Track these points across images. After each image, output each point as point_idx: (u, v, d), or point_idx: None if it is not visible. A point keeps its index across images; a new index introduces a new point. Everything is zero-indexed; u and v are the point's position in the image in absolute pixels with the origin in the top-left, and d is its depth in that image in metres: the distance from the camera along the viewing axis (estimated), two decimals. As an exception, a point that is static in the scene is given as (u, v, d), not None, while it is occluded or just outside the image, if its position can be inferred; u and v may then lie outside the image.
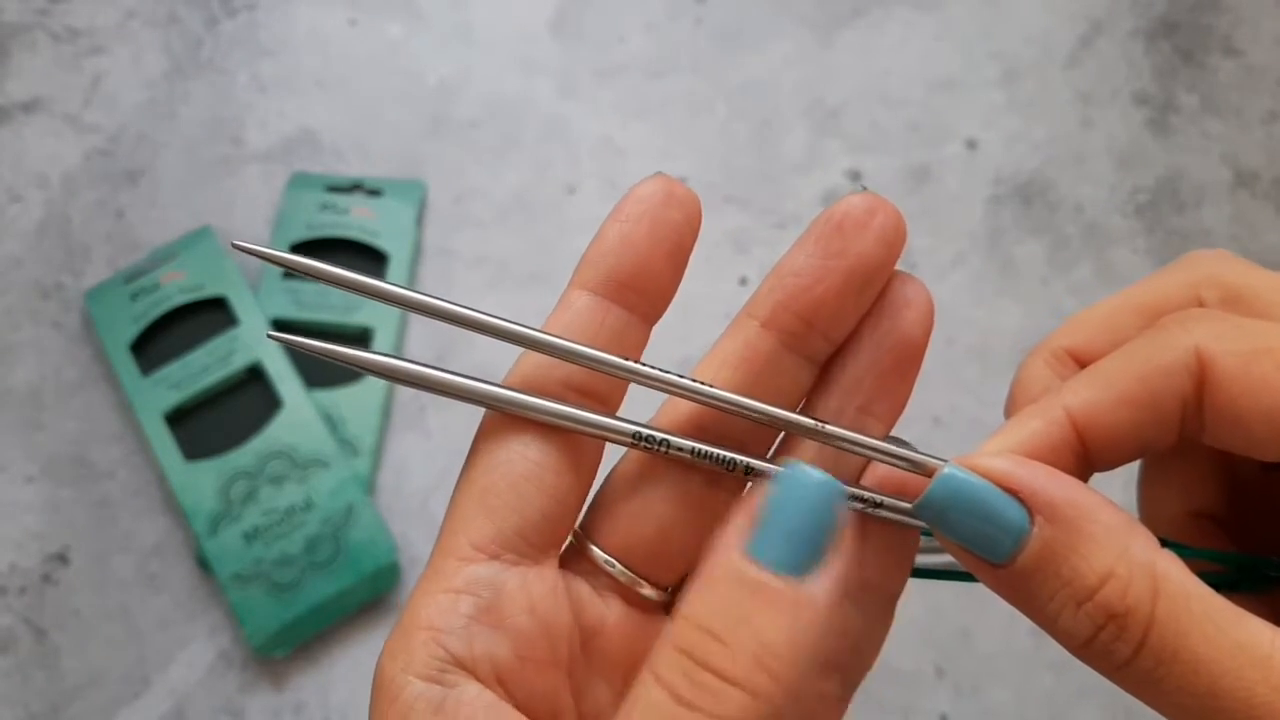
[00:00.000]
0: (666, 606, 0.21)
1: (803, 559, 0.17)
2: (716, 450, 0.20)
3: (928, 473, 0.20)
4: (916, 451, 0.21)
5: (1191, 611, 0.17)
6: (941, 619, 0.50)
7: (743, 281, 0.56)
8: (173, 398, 0.52)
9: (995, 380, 0.55)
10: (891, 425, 0.22)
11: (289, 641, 0.48)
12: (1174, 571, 0.17)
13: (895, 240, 0.20)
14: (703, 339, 0.62)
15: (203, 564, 0.50)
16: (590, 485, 0.21)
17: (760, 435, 0.21)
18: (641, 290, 0.20)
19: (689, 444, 0.20)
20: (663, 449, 0.20)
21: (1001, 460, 0.19)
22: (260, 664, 0.49)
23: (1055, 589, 0.18)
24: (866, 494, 0.21)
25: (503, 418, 0.20)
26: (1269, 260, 0.58)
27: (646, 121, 0.61)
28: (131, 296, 0.54)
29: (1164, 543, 0.18)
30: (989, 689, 0.49)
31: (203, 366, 0.52)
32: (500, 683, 0.19)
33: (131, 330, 0.53)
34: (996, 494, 0.18)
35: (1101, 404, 0.20)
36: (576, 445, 0.20)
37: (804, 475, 0.17)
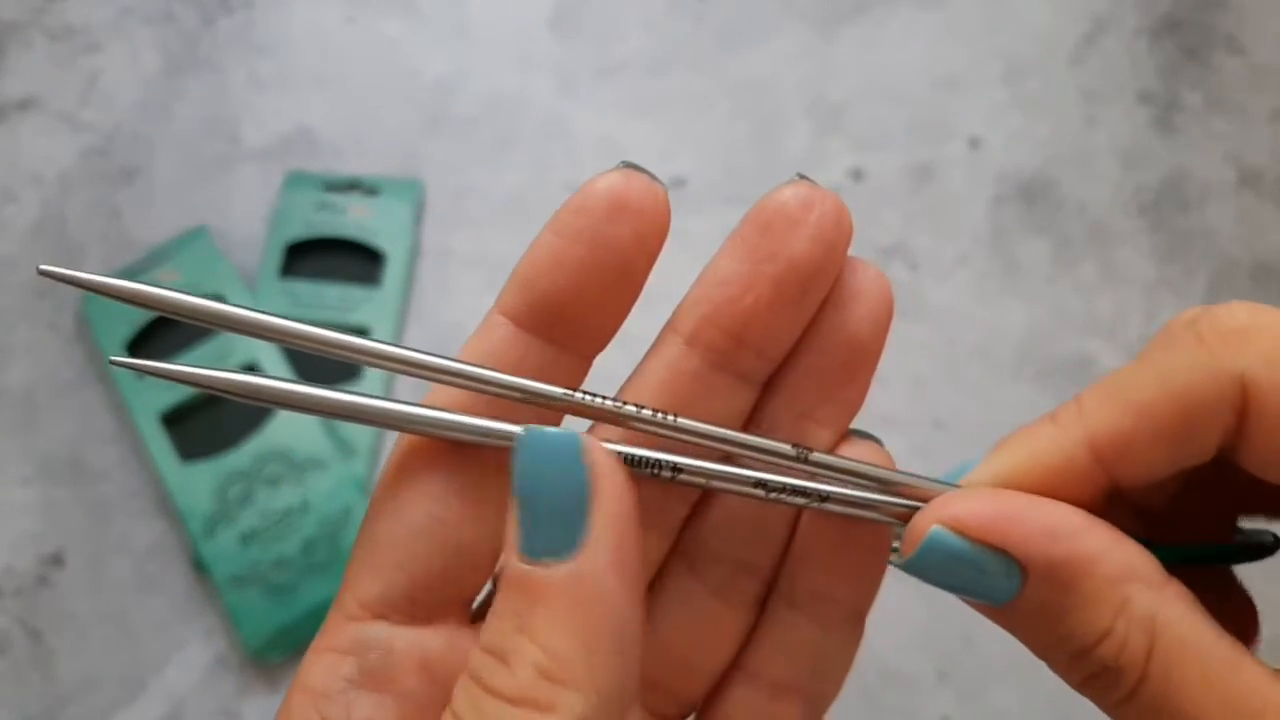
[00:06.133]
0: None
1: (562, 534, 0.15)
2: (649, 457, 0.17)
3: (929, 497, 0.18)
4: (907, 473, 0.18)
5: (1186, 665, 0.16)
6: (943, 622, 0.49)
7: (743, 281, 0.56)
8: (169, 398, 0.51)
9: (998, 381, 0.54)
10: (841, 435, 0.19)
11: (286, 644, 0.48)
12: (1175, 619, 0.16)
13: (837, 237, 0.17)
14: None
15: (199, 566, 0.50)
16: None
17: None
18: (574, 324, 0.18)
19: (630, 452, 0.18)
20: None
21: (988, 506, 0.17)
22: (257, 667, 0.49)
23: (1051, 641, 0.17)
24: (808, 486, 0.18)
25: (405, 459, 0.18)
26: (1273, 258, 0.58)
27: (646, 120, 0.61)
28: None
29: (1152, 546, 0.17)
30: (991, 692, 0.49)
31: (199, 367, 0.52)
32: None
33: (127, 330, 0.53)
34: (985, 554, 0.17)
35: (1134, 435, 0.17)
36: (483, 494, 0.18)
37: (538, 436, 0.15)
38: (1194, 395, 0.17)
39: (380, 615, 0.18)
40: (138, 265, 0.55)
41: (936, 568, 0.17)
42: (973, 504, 0.17)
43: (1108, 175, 0.60)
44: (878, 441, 0.19)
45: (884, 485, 0.18)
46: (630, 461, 0.18)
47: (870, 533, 0.19)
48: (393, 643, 0.17)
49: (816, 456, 0.18)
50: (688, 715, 0.20)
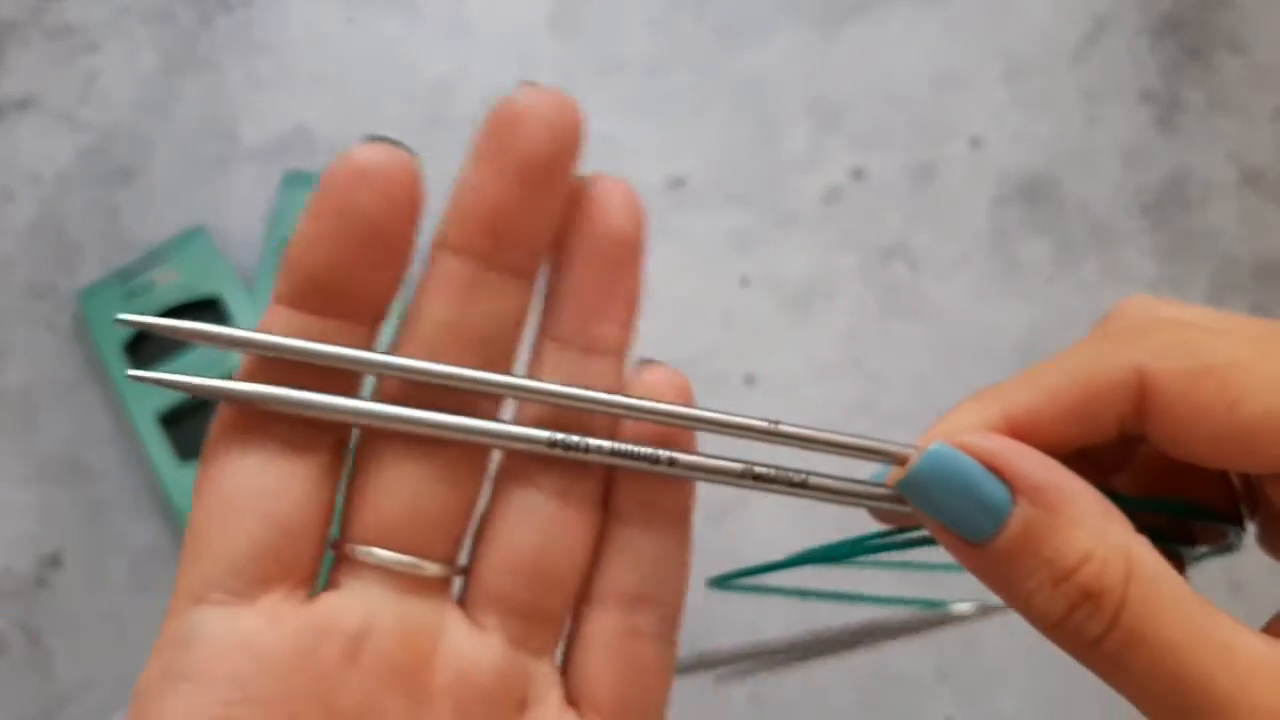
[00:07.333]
0: (449, 582, 0.20)
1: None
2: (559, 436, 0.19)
3: (898, 460, 0.20)
4: (877, 440, 0.20)
5: (1162, 596, 0.17)
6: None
7: (744, 282, 0.56)
8: (167, 399, 0.51)
9: (999, 381, 0.54)
10: (629, 328, 0.20)
11: (284, 645, 0.48)
12: (1147, 556, 0.18)
13: (566, 128, 0.19)
14: (703, 339, 0.61)
15: (197, 567, 0.49)
16: (334, 495, 0.19)
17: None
18: (345, 296, 0.18)
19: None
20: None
21: (987, 439, 0.19)
22: (255, 668, 0.49)
23: (1033, 568, 0.18)
24: (789, 473, 0.20)
25: (220, 435, 0.19)
26: (1275, 258, 0.57)
27: (646, 119, 0.60)
28: (125, 297, 0.54)
29: (1113, 496, 0.19)
30: (992, 693, 0.48)
31: (197, 367, 0.52)
32: None
33: (125, 331, 0.53)
34: (982, 472, 0.18)
35: (1042, 414, 0.20)
36: (308, 457, 0.19)
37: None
38: (1095, 382, 0.19)
39: (201, 599, 0.18)
40: (136, 265, 0.55)
41: (933, 481, 0.19)
42: (969, 432, 0.19)
43: (1109, 175, 0.60)
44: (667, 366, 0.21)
45: (851, 450, 0.20)
46: (622, 455, 0.19)
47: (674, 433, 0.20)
48: (210, 628, 0.18)
49: (785, 428, 0.20)
50: (558, 639, 0.21)
